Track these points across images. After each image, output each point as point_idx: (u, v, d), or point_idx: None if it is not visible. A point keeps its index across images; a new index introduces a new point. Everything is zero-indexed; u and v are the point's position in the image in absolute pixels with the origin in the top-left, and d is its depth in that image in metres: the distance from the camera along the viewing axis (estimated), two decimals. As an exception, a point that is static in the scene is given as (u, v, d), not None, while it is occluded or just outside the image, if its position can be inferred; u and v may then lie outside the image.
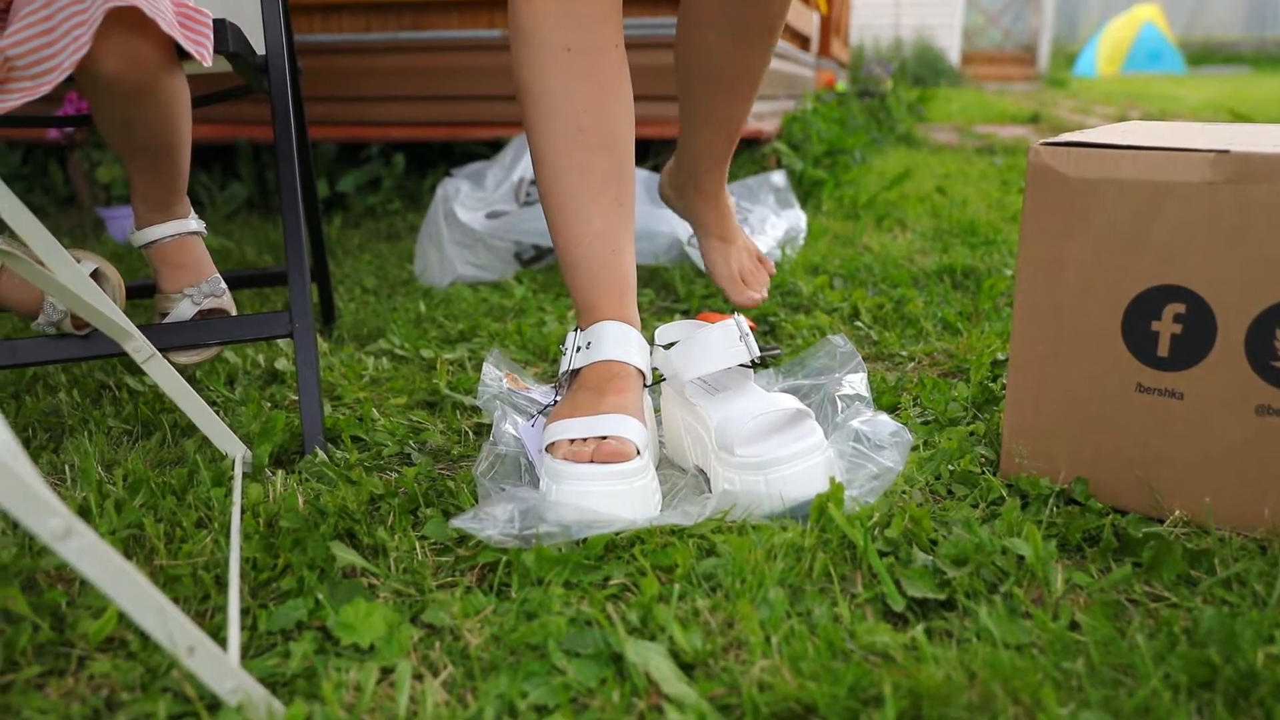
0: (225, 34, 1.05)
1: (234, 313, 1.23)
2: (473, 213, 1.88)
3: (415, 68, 2.50)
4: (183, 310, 1.18)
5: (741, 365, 0.97)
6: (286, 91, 1.14)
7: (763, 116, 2.72)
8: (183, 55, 1.03)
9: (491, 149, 2.49)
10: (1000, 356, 1.23)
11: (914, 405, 1.12)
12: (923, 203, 2.47)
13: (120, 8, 0.89)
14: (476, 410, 1.16)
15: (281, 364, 1.33)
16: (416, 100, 2.53)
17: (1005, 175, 2.99)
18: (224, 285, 1.22)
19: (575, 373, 0.98)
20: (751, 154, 2.66)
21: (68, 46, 0.88)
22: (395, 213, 2.54)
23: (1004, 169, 3.14)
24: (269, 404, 1.20)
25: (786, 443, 0.89)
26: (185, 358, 1.17)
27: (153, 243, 1.18)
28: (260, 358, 1.36)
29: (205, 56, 0.99)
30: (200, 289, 1.19)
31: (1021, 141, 4.14)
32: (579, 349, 0.98)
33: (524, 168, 2.03)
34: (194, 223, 1.22)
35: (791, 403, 0.92)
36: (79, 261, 1.14)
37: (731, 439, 0.89)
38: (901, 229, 2.18)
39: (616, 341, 0.96)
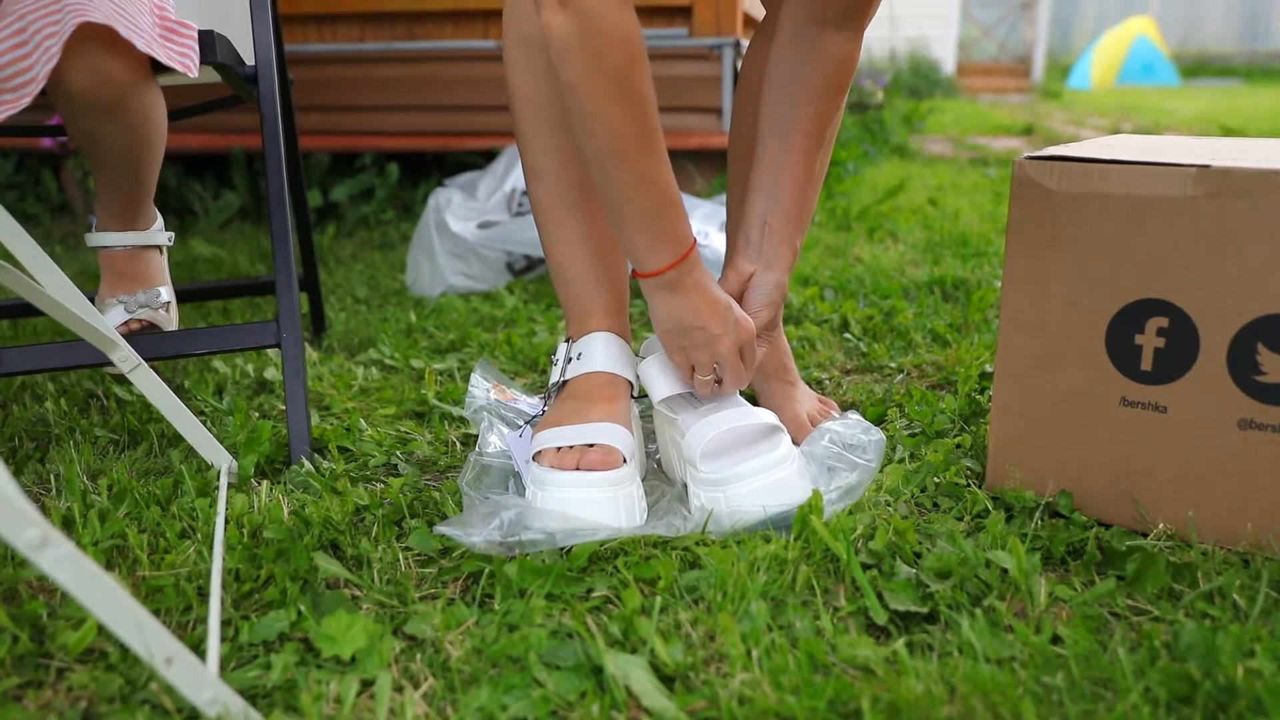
0: (213, 45, 1.05)
1: (170, 328, 1.21)
2: (465, 223, 1.88)
3: (409, 78, 2.51)
4: (113, 316, 1.17)
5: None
6: (275, 101, 1.14)
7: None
8: (164, 68, 1.03)
9: (484, 159, 2.50)
10: (988, 369, 1.23)
11: (901, 417, 1.12)
12: (915, 214, 2.48)
13: (94, 24, 0.89)
14: (465, 421, 1.16)
15: (270, 374, 1.33)
16: (410, 110, 2.54)
17: (998, 187, 3.00)
18: (166, 299, 1.21)
19: (564, 383, 0.98)
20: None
21: (40, 58, 0.88)
22: (388, 222, 2.54)
23: (997, 181, 3.14)
24: (257, 414, 1.20)
25: (747, 457, 0.88)
26: None
27: (103, 248, 1.19)
28: (250, 367, 1.36)
29: (190, 68, 0.99)
30: (135, 298, 1.18)
31: (1015, 153, 4.15)
32: (570, 360, 0.98)
33: (516, 178, 2.04)
34: (154, 236, 1.21)
35: (767, 417, 0.92)
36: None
37: (695, 454, 0.89)
38: (893, 241, 2.19)
39: (606, 353, 0.96)
